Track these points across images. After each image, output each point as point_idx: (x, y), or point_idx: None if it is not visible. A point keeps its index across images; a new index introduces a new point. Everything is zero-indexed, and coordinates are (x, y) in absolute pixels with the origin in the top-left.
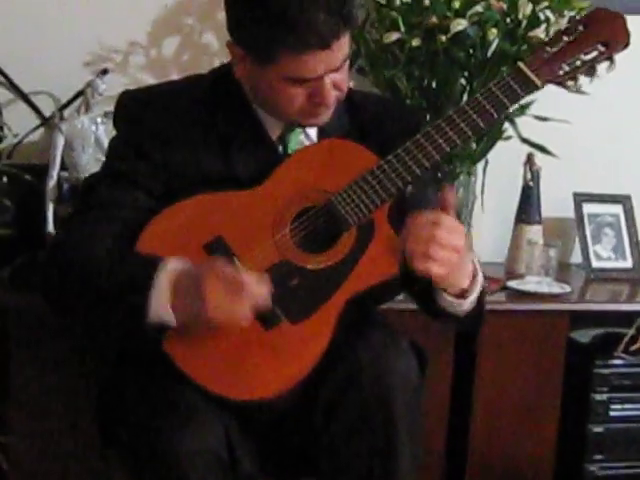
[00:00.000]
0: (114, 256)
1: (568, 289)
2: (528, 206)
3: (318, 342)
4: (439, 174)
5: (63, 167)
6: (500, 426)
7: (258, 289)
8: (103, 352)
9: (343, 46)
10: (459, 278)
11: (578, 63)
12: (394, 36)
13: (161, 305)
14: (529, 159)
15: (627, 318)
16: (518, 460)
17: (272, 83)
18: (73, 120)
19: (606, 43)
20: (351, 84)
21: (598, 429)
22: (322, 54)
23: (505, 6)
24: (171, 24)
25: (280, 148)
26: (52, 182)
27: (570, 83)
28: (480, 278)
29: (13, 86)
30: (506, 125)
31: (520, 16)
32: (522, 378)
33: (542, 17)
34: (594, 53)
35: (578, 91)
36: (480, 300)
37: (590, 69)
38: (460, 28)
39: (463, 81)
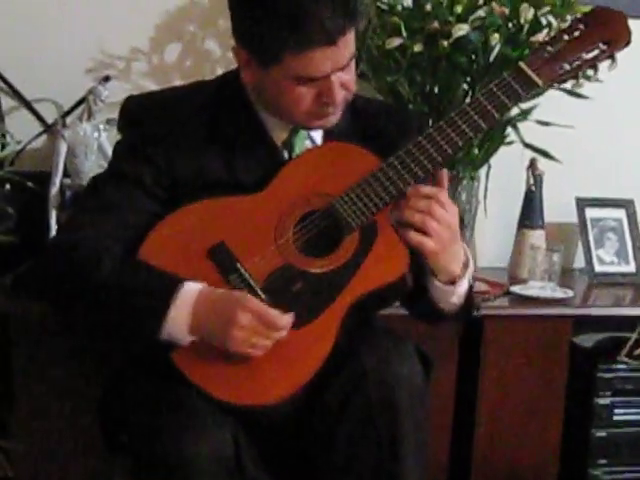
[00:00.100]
0: (124, 264)
1: (571, 294)
2: (531, 211)
3: (322, 346)
4: None
5: (66, 174)
6: (504, 430)
7: (285, 330)
8: (105, 354)
9: (349, 43)
10: (450, 261)
11: (579, 62)
12: (396, 41)
13: (177, 327)
14: (532, 164)
15: (630, 322)
16: (522, 464)
17: (279, 84)
18: (75, 127)
19: (607, 41)
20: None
21: (602, 433)
22: (328, 51)
23: (507, 11)
24: (173, 31)
25: (285, 153)
26: (55, 189)
27: (571, 82)
28: (471, 267)
29: (16, 93)
30: (509, 130)
31: (522, 21)
32: (525, 383)
33: (544, 22)
34: (595, 52)
35: (576, 94)
36: (468, 297)
37: (591, 68)
38: (462, 33)
39: (465, 86)
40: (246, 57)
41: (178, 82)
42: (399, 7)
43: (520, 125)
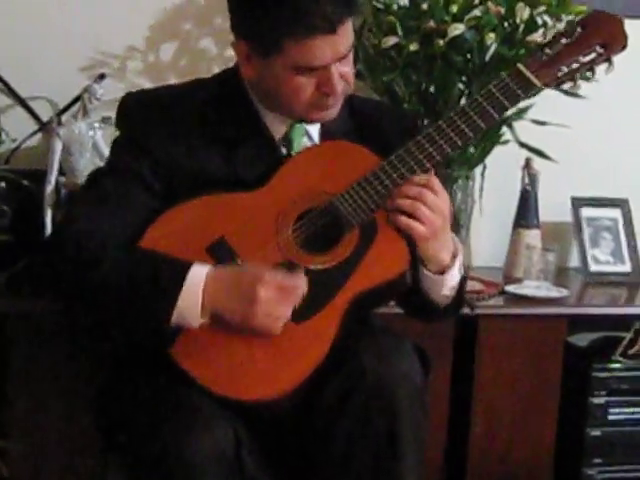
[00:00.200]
0: (128, 251)
1: (566, 293)
2: (526, 210)
3: (322, 342)
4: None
5: (61, 172)
6: (499, 430)
7: (303, 290)
8: (102, 355)
9: (348, 32)
10: (440, 250)
11: (576, 65)
12: (392, 41)
13: (188, 308)
14: (527, 163)
15: (625, 322)
16: (517, 463)
17: (279, 75)
18: (71, 125)
19: (604, 45)
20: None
21: (596, 433)
22: (328, 39)
23: (503, 10)
24: (169, 29)
25: (283, 149)
26: (50, 187)
27: (568, 85)
28: (460, 257)
29: (11, 91)
30: (504, 129)
31: (518, 20)
32: (520, 382)
33: (540, 21)
34: (592, 55)
35: (575, 94)
36: (460, 291)
37: (589, 71)
38: (458, 32)
39: (461, 86)
40: (246, 50)
41: (173, 80)
42: (395, 6)
43: (516, 124)
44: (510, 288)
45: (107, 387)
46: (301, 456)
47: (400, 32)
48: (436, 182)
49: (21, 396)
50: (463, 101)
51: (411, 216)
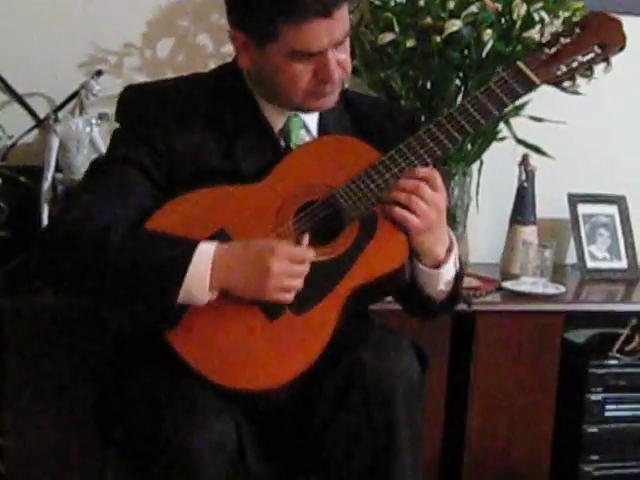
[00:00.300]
0: (133, 232)
1: (563, 290)
2: (523, 207)
3: (321, 333)
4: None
5: (58, 169)
6: (496, 426)
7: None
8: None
9: (344, 17)
10: (435, 244)
11: (575, 64)
12: (388, 37)
13: (197, 282)
14: (524, 160)
15: (622, 318)
16: (514, 460)
17: (276, 63)
18: (67, 122)
19: (602, 45)
20: (346, 85)
21: (593, 429)
22: (324, 23)
23: (500, 7)
24: (165, 25)
25: (282, 142)
26: (47, 184)
27: (567, 84)
28: (455, 252)
29: (7, 87)
30: (501, 126)
31: (515, 17)
32: (517, 378)
33: (537, 18)
34: (591, 55)
35: (574, 92)
36: (455, 286)
37: (587, 70)
38: (455, 29)
39: (458, 82)
40: (243, 40)
41: (170, 76)
42: (392, 2)
43: (512, 121)
44: (507, 284)
45: (107, 381)
46: (299, 448)
47: (397, 28)
48: (436, 175)
49: (18, 393)
50: (460, 97)
51: (406, 208)
